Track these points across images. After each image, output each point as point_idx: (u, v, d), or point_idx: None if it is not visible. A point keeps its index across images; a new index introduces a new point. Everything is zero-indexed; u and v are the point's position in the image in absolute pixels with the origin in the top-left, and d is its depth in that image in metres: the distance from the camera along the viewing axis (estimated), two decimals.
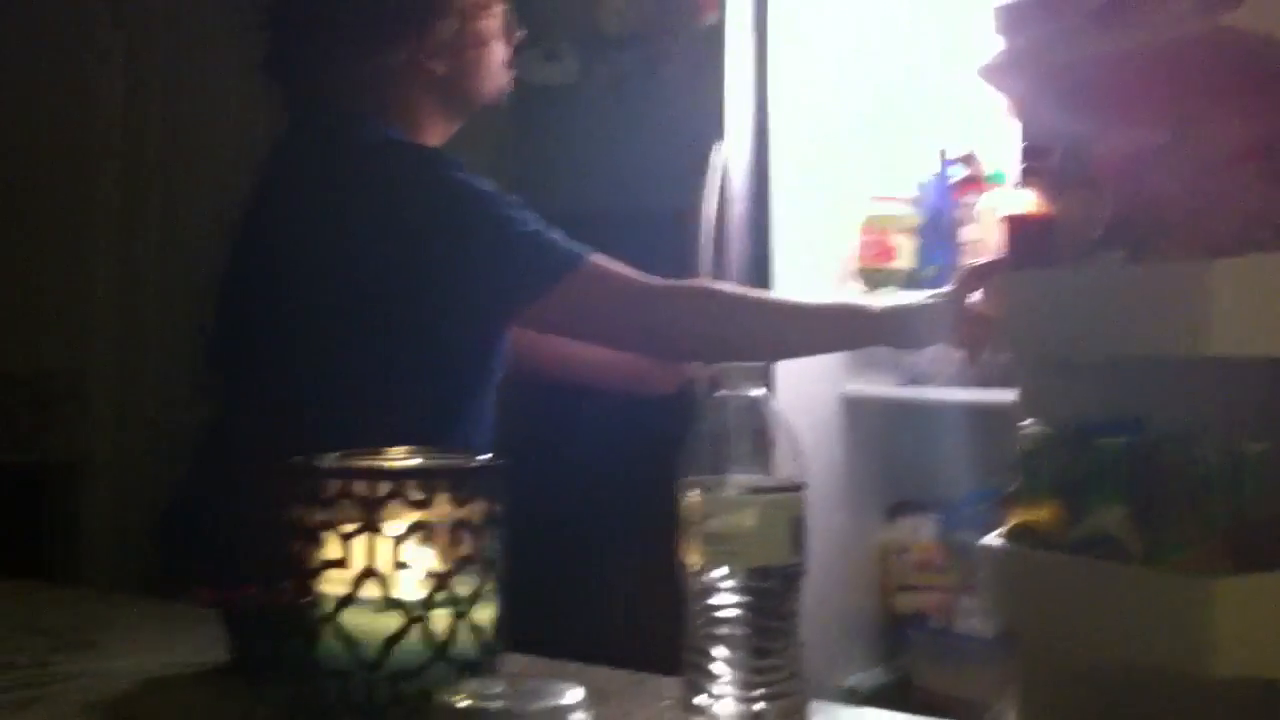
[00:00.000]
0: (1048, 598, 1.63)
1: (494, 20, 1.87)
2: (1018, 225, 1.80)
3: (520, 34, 1.93)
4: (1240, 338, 1.47)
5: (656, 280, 1.77)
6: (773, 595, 1.06)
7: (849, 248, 2.74)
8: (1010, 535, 1.67)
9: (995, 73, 1.81)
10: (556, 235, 1.73)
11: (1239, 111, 1.60)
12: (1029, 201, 1.78)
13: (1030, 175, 1.78)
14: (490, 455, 1.06)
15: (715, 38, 2.56)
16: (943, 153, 2.66)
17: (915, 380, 2.76)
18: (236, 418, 1.82)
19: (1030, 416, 1.72)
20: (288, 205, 1.80)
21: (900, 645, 2.75)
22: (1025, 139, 1.84)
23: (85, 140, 3.91)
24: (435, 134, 1.86)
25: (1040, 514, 1.64)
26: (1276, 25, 1.49)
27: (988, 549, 1.72)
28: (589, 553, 2.58)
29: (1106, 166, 1.67)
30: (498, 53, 1.89)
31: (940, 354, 2.34)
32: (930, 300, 1.83)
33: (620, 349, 1.94)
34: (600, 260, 1.74)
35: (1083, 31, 1.64)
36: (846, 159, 2.75)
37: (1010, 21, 1.76)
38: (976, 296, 1.81)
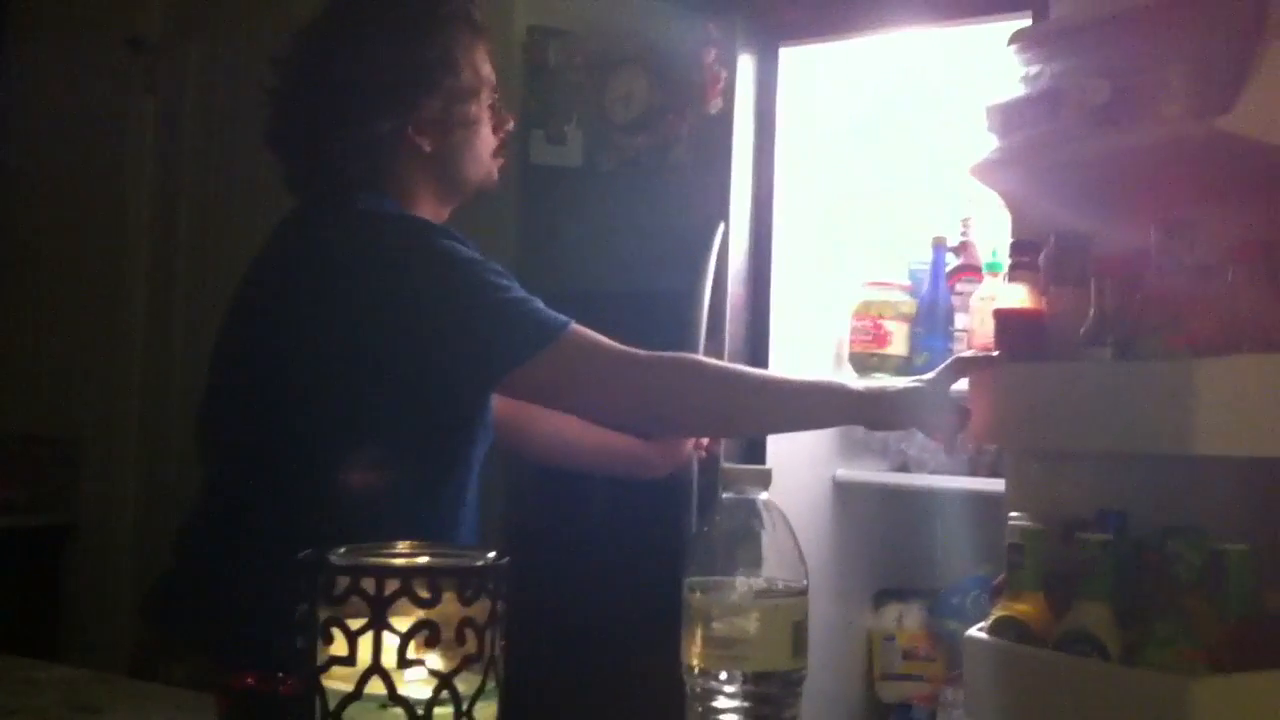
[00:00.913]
0: (1029, 693, 1.62)
1: (481, 107, 1.91)
2: (1007, 319, 1.82)
3: (510, 124, 1.96)
4: (1224, 438, 1.48)
5: (640, 351, 1.77)
6: (773, 700, 1.05)
7: (843, 332, 2.75)
8: (995, 627, 1.67)
9: (987, 170, 1.83)
10: (540, 304, 1.75)
11: (1230, 213, 1.62)
12: (1019, 296, 1.80)
13: (1021, 270, 1.80)
14: (494, 552, 1.04)
15: (722, 123, 2.59)
16: (938, 240, 2.67)
17: (905, 466, 2.76)
18: (225, 492, 1.83)
19: (1017, 507, 1.72)
20: (277, 272, 1.82)
21: None
22: (1016, 234, 1.86)
23: (114, 202, 3.93)
24: (428, 211, 1.88)
25: (1026, 607, 1.65)
26: (1268, 129, 1.51)
27: (972, 641, 1.72)
28: (585, 643, 2.56)
29: (1098, 264, 1.69)
30: (485, 138, 1.92)
31: (930, 441, 2.34)
32: (912, 386, 1.84)
33: (603, 420, 1.94)
34: (583, 330, 1.75)
35: (1078, 132, 1.67)
36: (845, 243, 2.77)
37: (1003, 121, 1.78)
38: (960, 386, 1.82)
